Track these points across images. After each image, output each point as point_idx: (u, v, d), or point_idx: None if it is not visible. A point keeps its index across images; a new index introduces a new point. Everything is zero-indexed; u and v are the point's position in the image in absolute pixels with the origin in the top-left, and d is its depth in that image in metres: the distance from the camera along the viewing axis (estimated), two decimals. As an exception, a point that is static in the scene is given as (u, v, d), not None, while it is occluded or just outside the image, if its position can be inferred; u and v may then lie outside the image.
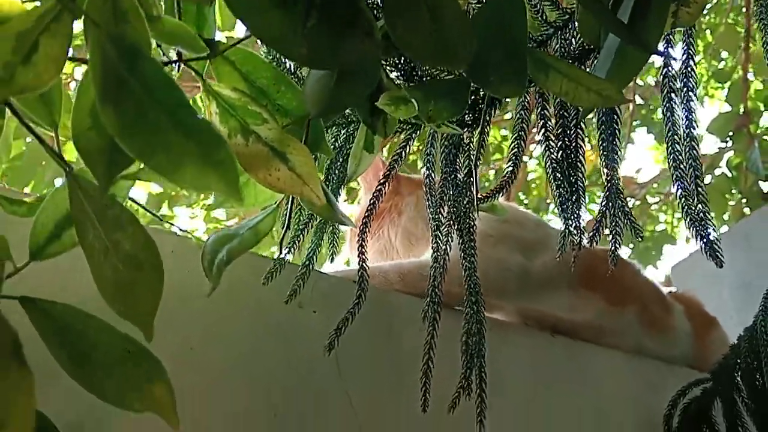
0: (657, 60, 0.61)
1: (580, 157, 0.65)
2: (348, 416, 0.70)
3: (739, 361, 0.93)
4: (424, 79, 0.60)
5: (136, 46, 0.33)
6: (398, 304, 0.84)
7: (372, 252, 1.14)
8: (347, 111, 0.67)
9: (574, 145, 0.64)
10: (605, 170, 0.62)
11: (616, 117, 0.61)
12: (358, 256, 0.66)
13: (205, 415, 0.62)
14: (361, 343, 0.77)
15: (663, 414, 0.95)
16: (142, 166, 0.48)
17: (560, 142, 0.64)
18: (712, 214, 0.62)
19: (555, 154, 0.65)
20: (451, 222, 0.65)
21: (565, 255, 1.00)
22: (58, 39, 0.38)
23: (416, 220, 1.10)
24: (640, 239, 0.63)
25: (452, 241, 0.69)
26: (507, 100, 0.71)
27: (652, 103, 4.51)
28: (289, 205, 0.55)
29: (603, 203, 0.61)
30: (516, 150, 0.66)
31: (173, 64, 0.48)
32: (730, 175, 3.61)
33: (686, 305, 1.20)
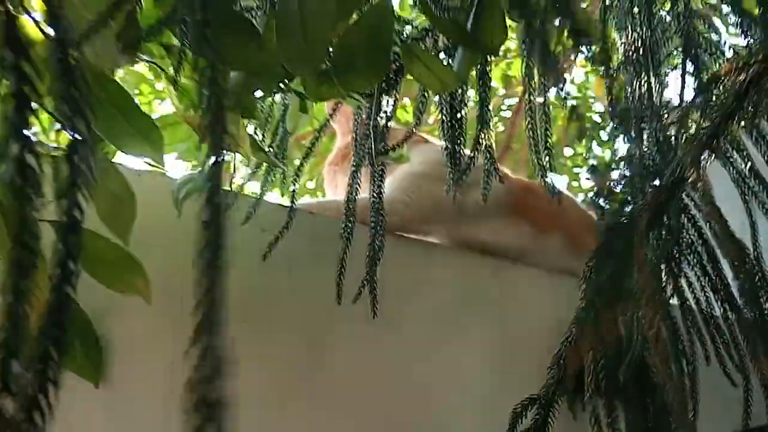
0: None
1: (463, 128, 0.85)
2: (294, 307, 0.95)
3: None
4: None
5: (118, 87, 0.55)
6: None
7: (345, 184, 1.36)
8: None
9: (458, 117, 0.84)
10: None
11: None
12: (291, 194, 0.89)
13: (177, 303, 0.87)
14: (312, 259, 1.01)
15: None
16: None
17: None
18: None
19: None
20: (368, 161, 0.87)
21: (499, 191, 1.21)
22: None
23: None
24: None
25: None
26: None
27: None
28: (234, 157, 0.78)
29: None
30: (416, 122, 0.86)
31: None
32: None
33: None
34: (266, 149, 0.84)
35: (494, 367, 1.09)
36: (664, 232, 0.77)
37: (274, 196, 1.02)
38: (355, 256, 0.92)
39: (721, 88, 0.64)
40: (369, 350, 0.99)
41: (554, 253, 1.25)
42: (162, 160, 0.57)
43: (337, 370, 0.94)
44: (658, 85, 0.74)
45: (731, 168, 0.95)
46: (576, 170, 4.40)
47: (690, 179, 0.61)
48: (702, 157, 0.61)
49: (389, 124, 0.86)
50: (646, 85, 0.74)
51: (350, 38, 0.66)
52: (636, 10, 0.75)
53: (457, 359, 1.06)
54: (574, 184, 4.34)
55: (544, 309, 1.21)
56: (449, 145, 0.83)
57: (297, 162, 0.96)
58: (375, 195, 0.85)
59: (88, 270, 0.70)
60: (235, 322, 0.89)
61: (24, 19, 0.61)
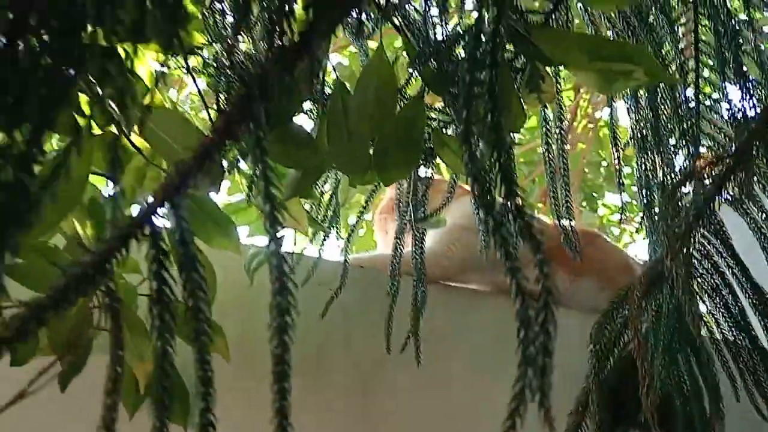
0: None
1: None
2: (347, 355, 1.08)
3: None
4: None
5: (206, 199, 0.69)
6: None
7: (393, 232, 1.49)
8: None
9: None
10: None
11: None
12: (344, 253, 1.02)
13: (251, 360, 1.01)
14: (364, 308, 1.14)
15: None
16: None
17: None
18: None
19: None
20: (410, 226, 0.99)
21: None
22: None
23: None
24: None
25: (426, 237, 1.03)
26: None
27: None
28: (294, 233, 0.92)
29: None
30: (450, 190, 0.98)
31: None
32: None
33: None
34: (320, 219, 0.98)
35: (531, 405, 1.19)
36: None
37: (329, 253, 1.15)
38: (401, 302, 1.04)
39: (703, 176, 0.74)
40: (414, 392, 1.11)
41: (587, 294, 1.34)
42: (239, 250, 0.71)
43: (387, 414, 1.07)
44: (662, 162, 0.84)
45: (748, 219, 1.03)
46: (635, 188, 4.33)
47: (668, 261, 0.70)
48: (690, 236, 0.71)
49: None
50: (651, 161, 0.84)
51: (388, 132, 0.79)
52: (641, 93, 0.85)
53: (494, 399, 1.16)
54: (634, 203, 4.30)
55: (574, 346, 1.30)
56: (480, 214, 0.95)
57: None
58: (417, 256, 0.98)
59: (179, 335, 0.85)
60: (295, 376, 1.02)
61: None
